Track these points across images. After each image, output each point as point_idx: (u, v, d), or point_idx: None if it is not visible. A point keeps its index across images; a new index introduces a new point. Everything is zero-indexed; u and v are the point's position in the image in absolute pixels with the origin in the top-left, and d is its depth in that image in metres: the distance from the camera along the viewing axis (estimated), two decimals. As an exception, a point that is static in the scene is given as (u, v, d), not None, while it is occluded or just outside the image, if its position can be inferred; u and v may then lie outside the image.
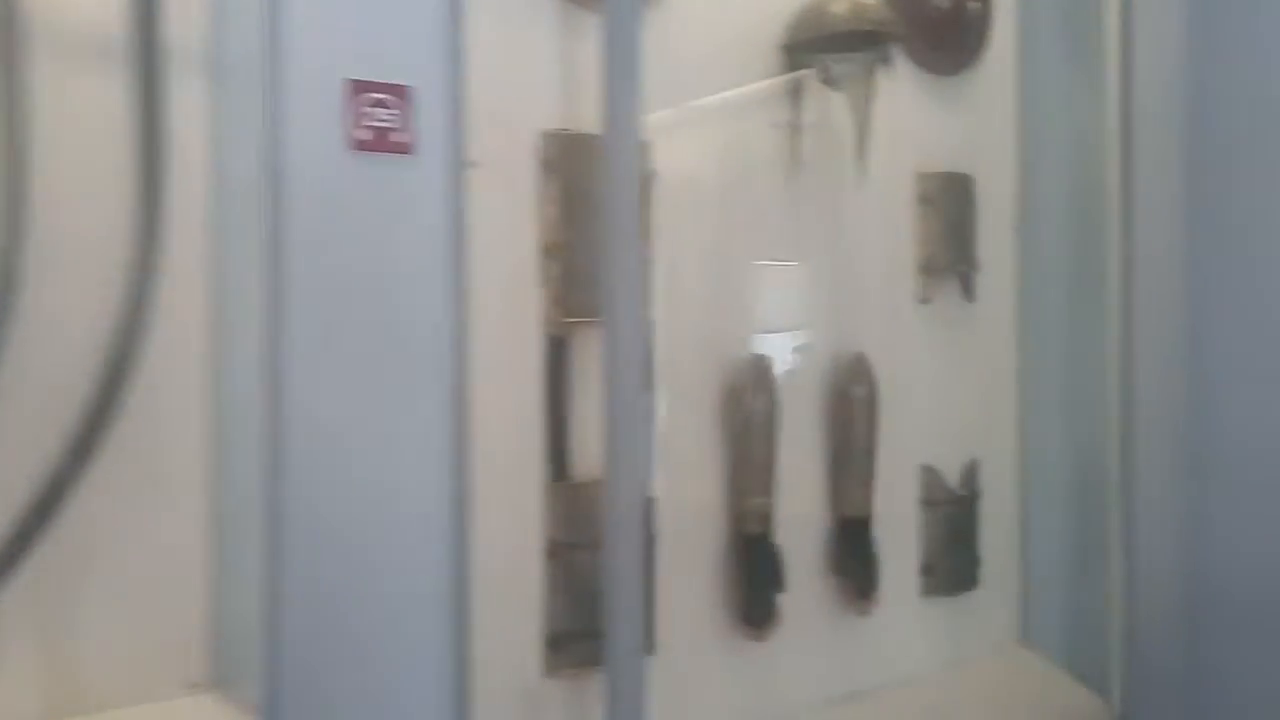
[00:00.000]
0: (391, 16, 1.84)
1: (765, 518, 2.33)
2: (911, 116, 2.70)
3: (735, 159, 2.35)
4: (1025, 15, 2.89)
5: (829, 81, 2.38)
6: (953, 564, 2.77)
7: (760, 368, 2.32)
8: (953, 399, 2.79)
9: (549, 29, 2.08)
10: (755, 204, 2.39)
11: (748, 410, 2.29)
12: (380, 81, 1.82)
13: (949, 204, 2.74)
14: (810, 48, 2.31)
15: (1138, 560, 2.70)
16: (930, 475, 2.73)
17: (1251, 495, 2.51)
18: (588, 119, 2.09)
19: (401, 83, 1.86)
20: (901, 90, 2.66)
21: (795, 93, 2.35)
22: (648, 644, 2.16)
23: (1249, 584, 2.51)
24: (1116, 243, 2.74)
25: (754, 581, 2.31)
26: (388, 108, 1.86)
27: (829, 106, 2.44)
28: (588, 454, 2.10)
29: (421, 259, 1.91)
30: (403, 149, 1.88)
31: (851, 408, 2.48)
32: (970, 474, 2.81)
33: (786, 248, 2.46)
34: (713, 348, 2.33)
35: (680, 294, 2.26)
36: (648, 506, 1.73)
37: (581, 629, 2.05)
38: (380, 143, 1.86)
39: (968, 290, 2.80)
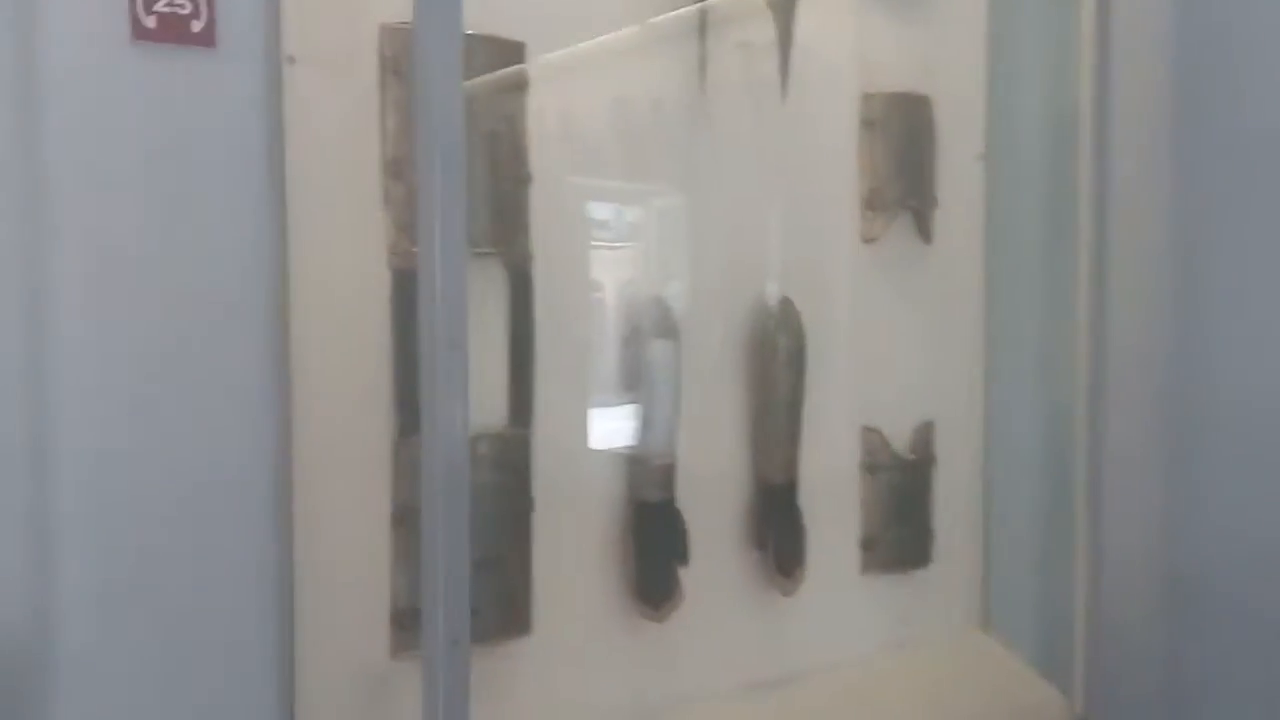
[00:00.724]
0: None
1: (666, 480, 2.06)
2: (857, 28, 2.39)
3: (632, 79, 2.06)
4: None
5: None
6: (899, 537, 2.49)
7: (659, 311, 2.04)
8: (903, 353, 2.49)
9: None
10: (653, 133, 2.10)
11: (643, 359, 2.02)
12: (167, -45, 1.56)
13: (901, 130, 2.43)
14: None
15: (1107, 541, 2.42)
16: (873, 437, 2.44)
17: (1240, 471, 2.22)
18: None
19: (202, -37, 1.60)
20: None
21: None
22: (520, 624, 1.92)
23: (1232, 573, 2.22)
24: (1091, 177, 2.43)
25: (651, 553, 2.05)
26: (181, -10, 1.60)
27: (751, 15, 2.14)
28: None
29: (228, 178, 1.65)
30: (202, 40, 1.62)
31: (774, 359, 2.20)
32: (923, 437, 2.52)
33: (697, 181, 2.17)
34: (607, 291, 2.06)
35: (568, 234, 1.99)
36: (461, 468, 1.46)
37: (435, 606, 1.81)
38: (172, 32, 1.60)
39: (923, 229, 2.49)
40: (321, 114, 1.70)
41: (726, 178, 2.19)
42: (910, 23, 2.44)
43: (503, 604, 1.89)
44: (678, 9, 2.06)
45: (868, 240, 2.41)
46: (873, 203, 2.41)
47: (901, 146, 2.43)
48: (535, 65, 1.91)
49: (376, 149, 1.77)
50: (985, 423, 2.65)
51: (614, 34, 2.01)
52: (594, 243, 2.02)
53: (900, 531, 2.49)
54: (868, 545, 2.45)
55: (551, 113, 1.94)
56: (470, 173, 1.81)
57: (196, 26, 1.61)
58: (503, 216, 1.88)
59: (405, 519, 1.80)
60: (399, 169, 1.77)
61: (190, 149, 1.61)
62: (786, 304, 2.21)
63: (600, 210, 2.03)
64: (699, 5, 2.05)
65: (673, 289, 2.11)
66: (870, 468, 2.45)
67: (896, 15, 2.43)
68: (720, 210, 2.20)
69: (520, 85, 1.89)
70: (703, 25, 2.06)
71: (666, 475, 2.06)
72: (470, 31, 1.81)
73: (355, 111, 1.75)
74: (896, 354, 2.48)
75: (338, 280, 1.73)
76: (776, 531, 2.23)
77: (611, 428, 2.01)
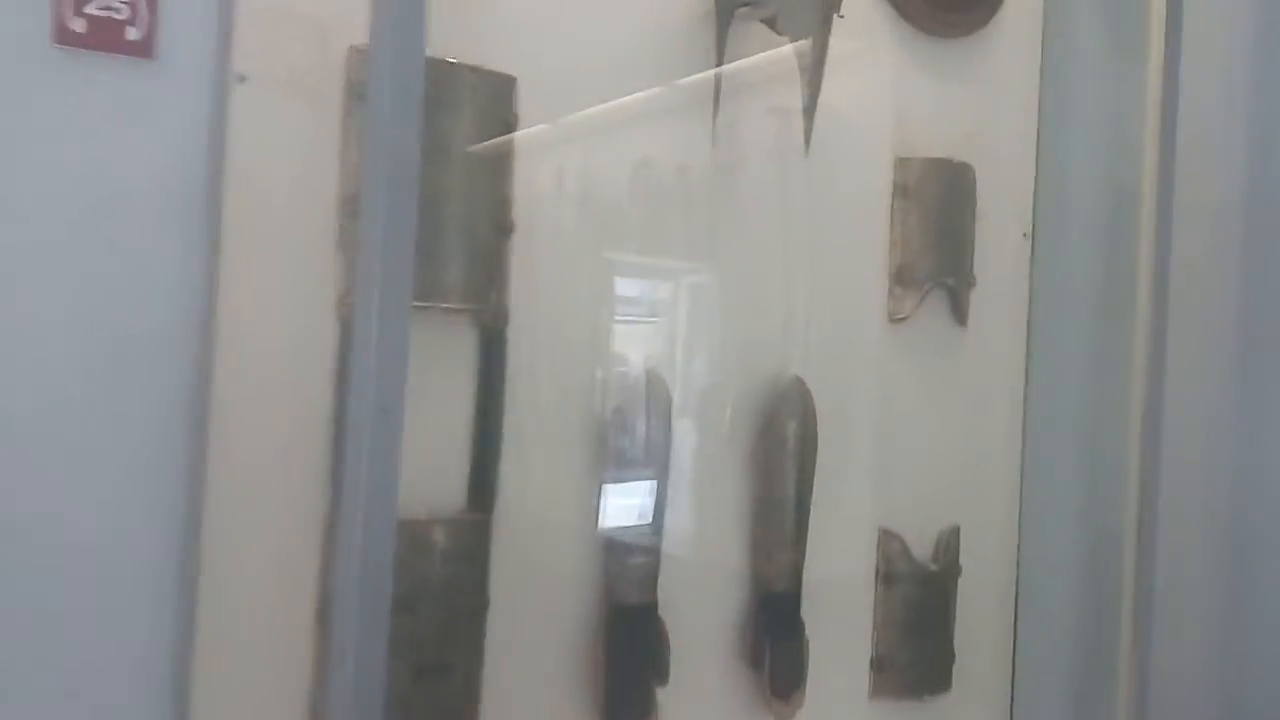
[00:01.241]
0: None
1: (647, 581, 1.81)
2: (893, 88, 2.18)
3: (645, 137, 1.85)
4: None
5: (773, 25, 1.87)
6: (916, 658, 2.21)
7: (651, 387, 1.81)
8: (929, 448, 2.23)
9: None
10: (663, 194, 1.88)
11: (629, 441, 1.79)
12: (105, -47, 1.38)
13: (937, 200, 2.21)
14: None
15: (1155, 670, 2.13)
16: (891, 542, 2.18)
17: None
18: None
19: (142, -38, 1.41)
20: (884, 52, 2.16)
21: (721, 45, 1.84)
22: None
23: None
24: (1151, 261, 2.19)
25: (624, 666, 1.78)
26: (117, -7, 1.41)
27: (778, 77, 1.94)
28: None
29: (157, 207, 1.44)
30: (139, 50, 1.43)
31: (781, 447, 1.96)
32: (947, 545, 2.25)
33: (709, 247, 1.95)
34: (592, 366, 1.83)
35: (554, 294, 1.77)
36: (383, 557, 1.23)
37: (366, 718, 1.56)
38: (102, 38, 1.40)
39: (958, 310, 2.25)
40: (273, 141, 1.49)
41: (741, 244, 1.97)
42: (953, 83, 2.23)
43: (446, 720, 1.64)
44: (692, 67, 1.87)
45: (895, 319, 2.17)
46: (903, 278, 2.17)
47: (937, 218, 2.20)
48: (530, 104, 1.71)
49: (334, 183, 1.55)
50: (1019, 531, 2.38)
51: (630, 95, 1.82)
52: (583, 307, 1.80)
53: (917, 651, 2.20)
54: (879, 666, 2.17)
55: (546, 161, 1.74)
56: (442, 213, 1.63)
57: (133, 34, 1.41)
58: (477, 268, 1.67)
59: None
60: (359, 207, 1.56)
61: (116, 171, 1.41)
62: (798, 385, 1.97)
63: (594, 271, 1.81)
64: (717, 69, 1.86)
65: (671, 362, 1.88)
66: (886, 577, 2.18)
67: (937, 75, 2.21)
68: (733, 279, 1.98)
69: (508, 124, 1.69)
70: (718, 87, 1.85)
71: (648, 575, 1.80)
72: (454, 60, 1.65)
73: (313, 140, 1.54)
74: (922, 449, 2.22)
75: (275, 331, 1.51)
76: (774, 646, 1.96)
77: (587, 517, 1.77)
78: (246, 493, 1.49)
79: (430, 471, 1.64)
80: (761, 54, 1.87)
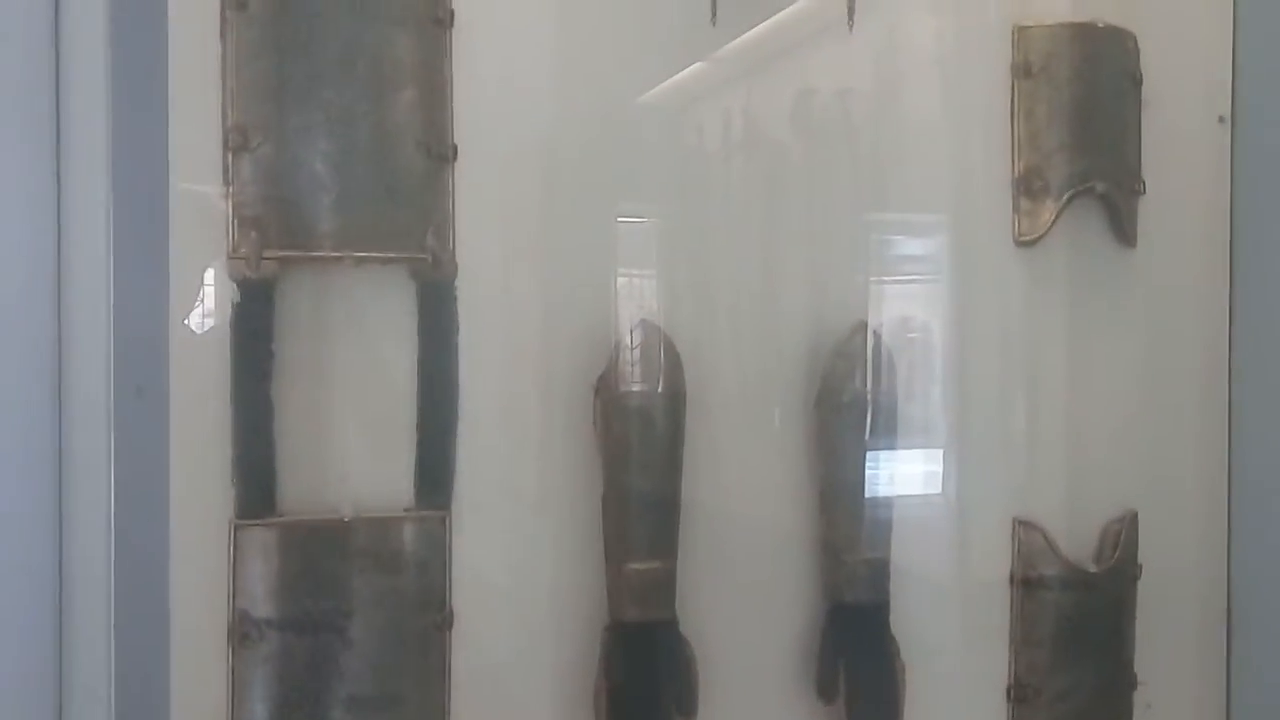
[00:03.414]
0: None
1: (659, 590, 1.46)
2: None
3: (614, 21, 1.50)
4: None
5: None
6: (1075, 684, 1.73)
7: (652, 341, 1.45)
8: (1085, 411, 1.74)
9: None
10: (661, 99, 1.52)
11: (624, 405, 1.44)
12: None
13: (1078, 79, 1.69)
14: None
15: None
16: (1031, 535, 1.71)
17: None
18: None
19: None
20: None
21: None
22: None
23: None
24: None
25: (633, 699, 1.45)
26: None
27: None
28: (307, 474, 1.36)
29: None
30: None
31: (840, 414, 1.55)
32: (1118, 538, 1.75)
33: (734, 167, 1.57)
34: (573, 323, 1.50)
35: (516, 229, 1.46)
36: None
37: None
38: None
39: (1121, 227, 1.73)
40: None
41: (777, 144, 1.58)
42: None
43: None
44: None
45: (1024, 241, 1.70)
46: (1030, 186, 1.69)
47: (1079, 104, 1.69)
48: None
49: (215, 112, 1.32)
50: (1230, 517, 1.84)
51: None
52: (560, 247, 1.47)
53: (1076, 676, 1.72)
54: (1020, 695, 1.71)
55: (493, 66, 1.43)
56: (353, 136, 1.35)
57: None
58: (406, 206, 1.38)
59: (251, 635, 1.33)
60: (246, 136, 1.32)
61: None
62: (859, 332, 1.56)
63: (574, 207, 1.48)
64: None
65: (684, 312, 1.52)
66: (1026, 581, 1.71)
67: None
68: (772, 197, 1.59)
69: (438, 20, 1.39)
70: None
71: (660, 583, 1.46)
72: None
73: (181, 59, 1.30)
74: (1074, 413, 1.74)
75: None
76: (854, 673, 1.57)
77: (576, 511, 1.45)
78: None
79: (366, 462, 1.38)
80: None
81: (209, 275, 1.30)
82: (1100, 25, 1.71)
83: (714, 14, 1.49)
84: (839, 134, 1.62)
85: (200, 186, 1.29)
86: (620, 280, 1.51)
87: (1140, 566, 1.76)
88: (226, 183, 1.31)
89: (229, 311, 1.30)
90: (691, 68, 1.55)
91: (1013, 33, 1.69)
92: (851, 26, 1.48)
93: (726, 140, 1.58)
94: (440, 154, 1.38)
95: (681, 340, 1.49)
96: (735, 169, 1.59)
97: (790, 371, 1.59)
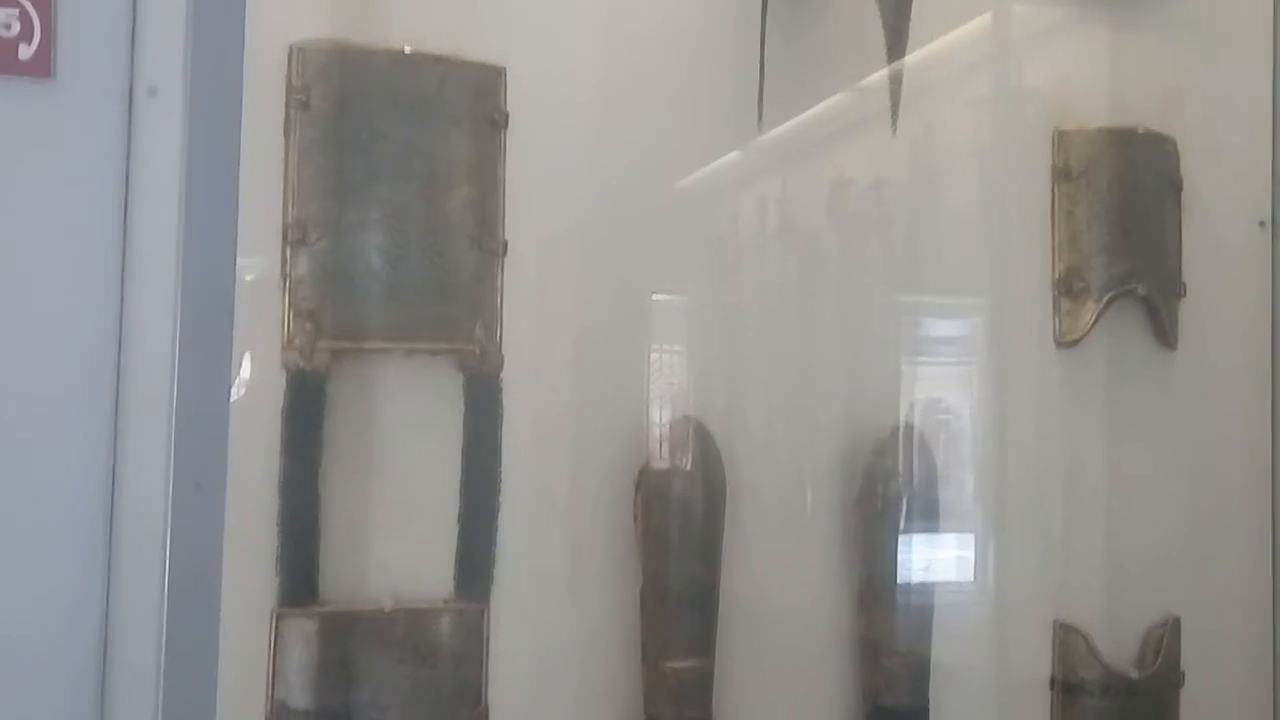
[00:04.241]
0: None
1: (697, 693, 1.47)
2: (1047, 38, 1.75)
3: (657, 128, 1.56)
4: None
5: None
6: (1116, 798, 1.72)
7: (693, 438, 1.48)
8: (1127, 513, 1.75)
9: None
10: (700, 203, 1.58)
11: (665, 500, 1.46)
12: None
13: (1118, 182, 1.74)
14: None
15: None
16: (1072, 640, 1.71)
17: None
18: (385, 24, 1.43)
19: (36, -34, 1.29)
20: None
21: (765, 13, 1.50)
22: None
23: None
24: None
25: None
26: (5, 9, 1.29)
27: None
28: (349, 563, 1.38)
29: (60, 236, 1.31)
30: (30, 70, 1.31)
31: (877, 515, 1.57)
32: (1161, 643, 1.75)
33: (782, 257, 1.61)
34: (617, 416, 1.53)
35: (560, 322, 1.50)
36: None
37: None
38: (-10, 57, 1.29)
39: (1162, 329, 1.76)
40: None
41: (814, 233, 1.62)
42: (1133, 27, 1.76)
43: None
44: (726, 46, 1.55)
45: (1065, 343, 1.72)
46: (1071, 287, 1.72)
47: (1119, 207, 1.73)
48: (522, 98, 1.46)
49: (276, 207, 1.38)
50: (1275, 622, 1.83)
51: (644, 83, 1.54)
52: (601, 338, 1.51)
53: (1118, 788, 1.72)
54: (1061, 808, 1.71)
55: (545, 166, 1.48)
56: (409, 232, 1.40)
57: (24, 52, 1.30)
58: (457, 299, 1.43)
59: (288, 726, 1.35)
60: (305, 231, 1.37)
61: (15, 202, 1.29)
62: (905, 434, 1.58)
63: (617, 298, 1.53)
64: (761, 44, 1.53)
65: (721, 400, 1.54)
66: (1067, 686, 1.71)
67: (1110, 17, 1.76)
68: (820, 295, 1.63)
69: (494, 121, 1.45)
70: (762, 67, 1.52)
71: (697, 682, 1.47)
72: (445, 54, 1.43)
73: (246, 159, 1.36)
74: (1113, 513, 1.74)
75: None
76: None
77: (614, 605, 1.47)
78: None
79: (408, 553, 1.40)
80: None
81: (264, 366, 1.34)
82: (1140, 131, 1.75)
83: (760, 118, 1.54)
84: (875, 225, 1.66)
85: (259, 279, 1.34)
86: (658, 371, 1.54)
87: (1183, 673, 1.75)
88: (284, 276, 1.35)
89: (281, 402, 1.34)
90: (730, 156, 1.60)
91: (1053, 136, 1.73)
92: (895, 129, 1.52)
93: (763, 228, 1.62)
94: (491, 249, 1.43)
95: (718, 429, 1.51)
96: (772, 256, 1.63)
97: (827, 462, 1.61)
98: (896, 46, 1.46)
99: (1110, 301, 1.72)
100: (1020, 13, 1.77)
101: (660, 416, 1.50)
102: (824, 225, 1.64)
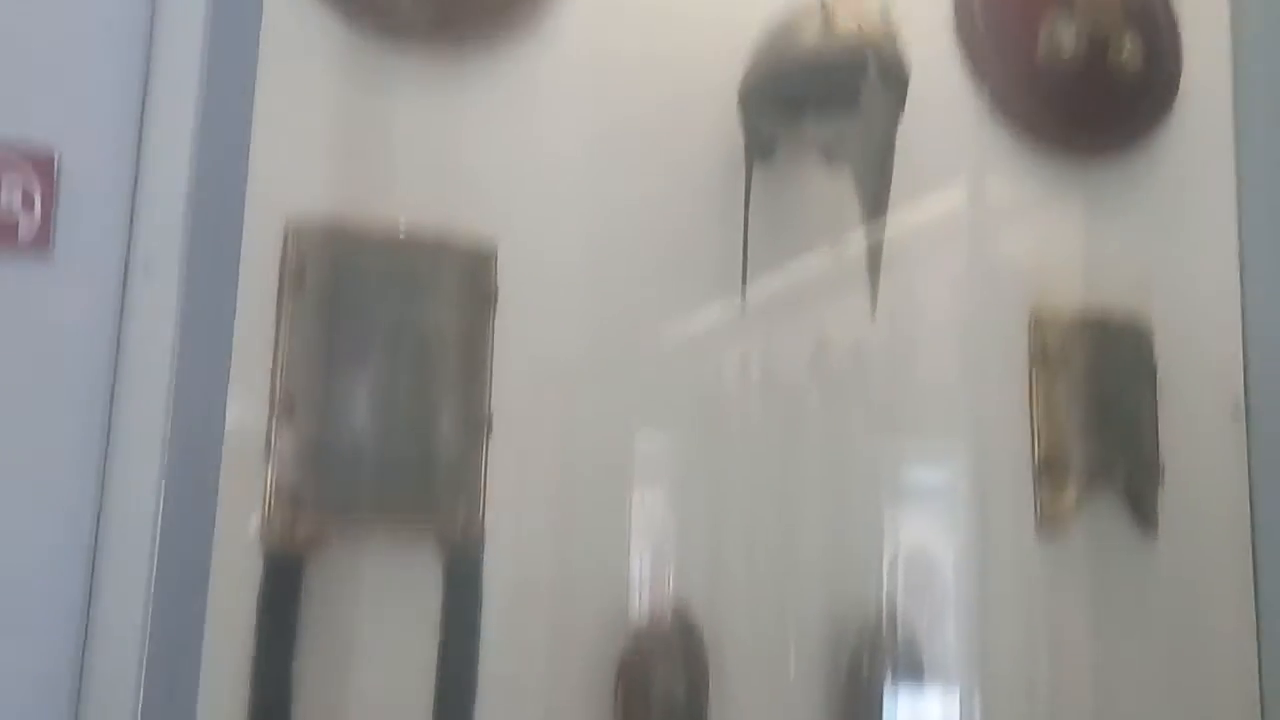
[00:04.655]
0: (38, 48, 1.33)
1: None
2: (1021, 222, 1.82)
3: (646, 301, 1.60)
4: (1242, 63, 1.93)
5: (831, 156, 1.58)
6: None
7: (674, 625, 1.46)
8: (1111, 702, 1.73)
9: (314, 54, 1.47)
10: (690, 367, 1.61)
11: (646, 693, 1.43)
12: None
13: (1095, 368, 1.78)
14: (777, 100, 1.54)
15: None
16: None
17: None
18: (379, 204, 1.46)
19: (42, 146, 1.32)
20: (1005, 177, 1.81)
21: (749, 191, 1.56)
22: None
23: None
24: None
25: None
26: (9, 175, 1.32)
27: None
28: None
29: (38, 420, 1.29)
30: (28, 245, 1.33)
31: (865, 700, 1.54)
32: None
33: (757, 436, 1.62)
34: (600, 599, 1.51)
35: (542, 505, 1.49)
36: None
37: None
38: (-11, 235, 1.31)
39: (1142, 515, 1.77)
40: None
41: (805, 439, 1.64)
42: (1107, 215, 1.82)
43: None
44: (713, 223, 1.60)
45: (1047, 530, 1.73)
46: (1052, 473, 1.73)
47: (1097, 392, 1.77)
48: (513, 274, 1.49)
49: (265, 380, 1.38)
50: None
51: (635, 258, 1.58)
52: (584, 516, 1.51)
53: None
54: None
55: (534, 340, 1.50)
56: (395, 405, 1.41)
57: (26, 225, 1.32)
58: (440, 473, 1.42)
59: None
60: (292, 407, 1.37)
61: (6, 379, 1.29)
62: (890, 623, 1.57)
63: (600, 477, 1.53)
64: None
65: (708, 593, 1.53)
66: None
67: (1084, 205, 1.82)
68: (800, 478, 1.64)
69: (486, 297, 1.47)
70: (745, 243, 1.57)
71: None
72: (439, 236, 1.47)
73: (237, 333, 1.38)
74: (1098, 704, 1.72)
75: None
76: None
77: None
78: None
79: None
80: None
81: (242, 544, 1.32)
82: (1116, 317, 1.80)
83: (743, 294, 1.58)
84: (856, 386, 1.67)
85: (243, 454, 1.33)
86: (641, 553, 1.53)
87: None
88: (269, 452, 1.35)
89: (258, 585, 1.32)
90: (713, 320, 1.62)
91: (1030, 320, 1.77)
92: (874, 315, 1.55)
93: (744, 383, 1.64)
94: (476, 425, 1.43)
95: (701, 605, 1.50)
96: (754, 421, 1.63)
97: (812, 634, 1.58)
98: (875, 229, 1.50)
99: (1090, 488, 1.73)
100: (994, 188, 1.83)
101: (641, 602, 1.49)
102: (806, 385, 1.65)
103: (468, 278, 1.47)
